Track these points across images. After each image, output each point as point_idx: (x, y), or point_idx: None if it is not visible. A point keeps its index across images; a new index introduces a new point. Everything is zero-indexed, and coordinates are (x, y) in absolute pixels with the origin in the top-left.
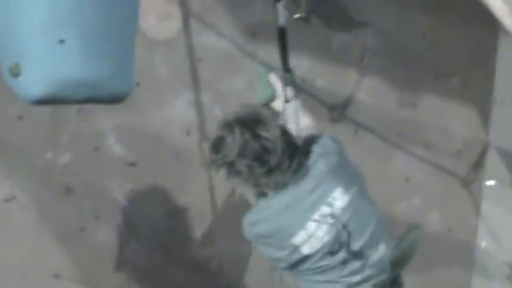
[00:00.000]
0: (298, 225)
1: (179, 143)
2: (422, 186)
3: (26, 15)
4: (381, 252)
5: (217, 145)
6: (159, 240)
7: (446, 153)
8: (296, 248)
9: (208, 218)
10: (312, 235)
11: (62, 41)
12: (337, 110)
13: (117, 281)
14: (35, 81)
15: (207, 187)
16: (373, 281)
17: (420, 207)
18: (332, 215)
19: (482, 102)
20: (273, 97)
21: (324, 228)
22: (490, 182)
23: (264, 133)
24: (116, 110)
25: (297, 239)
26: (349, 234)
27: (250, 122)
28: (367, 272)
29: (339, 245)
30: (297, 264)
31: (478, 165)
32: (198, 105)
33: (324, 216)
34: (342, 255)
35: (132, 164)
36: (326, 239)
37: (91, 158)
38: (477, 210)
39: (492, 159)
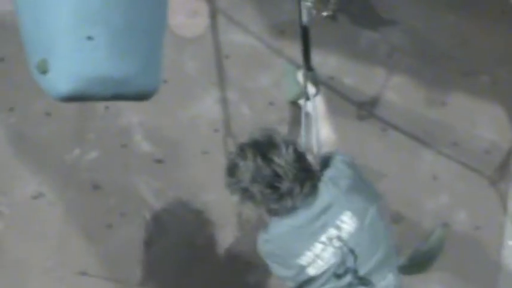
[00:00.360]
0: (305, 247)
1: (206, 140)
2: (450, 184)
3: (54, 12)
4: (389, 281)
5: (232, 169)
6: (186, 237)
7: (474, 151)
8: (302, 269)
9: (236, 215)
10: (318, 256)
11: (89, 38)
12: (365, 108)
13: (144, 278)
14: (62, 78)
15: None
16: None
17: (447, 205)
18: (339, 238)
19: (510, 100)
20: (299, 95)
21: (330, 250)
22: None
23: (276, 158)
24: (144, 107)
25: (303, 259)
26: (355, 258)
27: (263, 146)
28: None
29: (345, 268)
30: (304, 285)
31: (506, 163)
32: (225, 102)
33: (330, 238)
34: (348, 279)
35: (159, 161)
36: (332, 261)
37: (118, 154)
38: (505, 208)
39: None
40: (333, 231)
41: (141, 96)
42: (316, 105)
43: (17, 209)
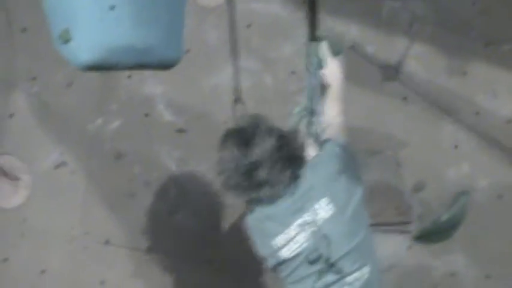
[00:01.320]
0: (280, 229)
1: (228, 109)
2: (471, 153)
3: None
4: (363, 274)
5: (220, 159)
6: (209, 206)
7: (495, 120)
8: (276, 251)
9: None
10: (292, 239)
11: (112, 7)
12: (387, 75)
13: (167, 247)
14: (85, 47)
15: None
16: None
17: (469, 174)
18: (314, 223)
19: None
20: (321, 64)
21: (304, 234)
22: None
23: (255, 147)
24: (166, 76)
25: (278, 241)
26: (328, 245)
27: (246, 134)
28: None
29: (317, 255)
30: (277, 267)
31: None
32: (248, 71)
33: (305, 223)
34: (319, 266)
35: (181, 130)
36: (305, 245)
37: (141, 124)
38: None
39: None
40: (308, 217)
41: (164, 65)
42: (329, 80)
43: (39, 178)
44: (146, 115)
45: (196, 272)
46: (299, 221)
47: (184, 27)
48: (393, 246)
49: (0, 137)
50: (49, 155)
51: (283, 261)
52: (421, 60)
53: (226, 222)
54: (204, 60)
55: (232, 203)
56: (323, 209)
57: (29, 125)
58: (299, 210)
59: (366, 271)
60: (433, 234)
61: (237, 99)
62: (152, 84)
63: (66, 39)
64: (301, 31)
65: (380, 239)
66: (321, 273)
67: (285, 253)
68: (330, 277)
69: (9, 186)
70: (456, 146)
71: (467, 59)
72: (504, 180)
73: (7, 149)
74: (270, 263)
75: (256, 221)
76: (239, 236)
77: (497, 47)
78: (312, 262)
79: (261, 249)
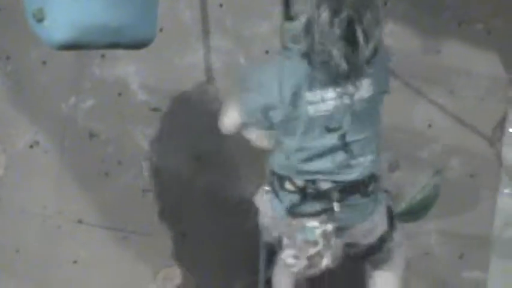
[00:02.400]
0: (318, 86)
1: (202, 88)
2: (445, 133)
3: None
4: (367, 160)
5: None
6: (182, 185)
7: (469, 100)
8: (303, 104)
9: (234, 160)
10: (324, 101)
11: None
12: None
13: (141, 226)
14: (59, 26)
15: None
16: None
17: (442, 153)
18: (351, 97)
19: (505, 49)
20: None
21: (337, 102)
22: None
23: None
24: (139, 55)
25: (309, 96)
26: (352, 122)
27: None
28: (348, 170)
29: (338, 125)
30: (286, 121)
31: (500, 111)
32: (221, 51)
33: (345, 93)
34: (334, 140)
35: (155, 109)
36: (332, 112)
37: (114, 103)
38: (499, 157)
39: None
40: (351, 89)
41: (138, 44)
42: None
43: (13, 158)
44: (119, 94)
45: (171, 246)
46: (341, 88)
47: (158, 6)
48: None
49: None
50: (23, 135)
51: (300, 117)
52: (395, 38)
53: (201, 200)
54: (178, 39)
55: (206, 180)
56: (365, 89)
57: (2, 104)
58: (346, 78)
59: (369, 159)
60: (407, 214)
61: (209, 79)
62: (125, 63)
63: (39, 18)
64: (277, 9)
65: None
66: (332, 150)
67: (311, 110)
68: (340, 156)
69: None
70: (430, 125)
71: (441, 38)
72: (477, 160)
73: None
74: (279, 113)
75: (296, 62)
76: (214, 210)
77: (470, 26)
78: (329, 131)
79: (280, 90)
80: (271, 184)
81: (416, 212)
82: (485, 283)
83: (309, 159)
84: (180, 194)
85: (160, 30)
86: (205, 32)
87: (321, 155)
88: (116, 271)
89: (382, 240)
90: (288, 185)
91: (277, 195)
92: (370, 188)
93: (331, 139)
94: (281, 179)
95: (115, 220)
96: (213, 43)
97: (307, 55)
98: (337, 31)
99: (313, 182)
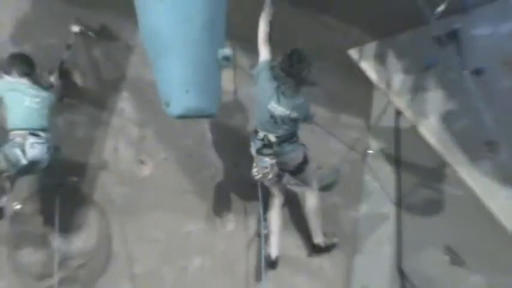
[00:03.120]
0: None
1: None
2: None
3: (169, 79)
4: (287, 127)
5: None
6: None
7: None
8: (270, 102)
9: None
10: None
11: (187, 91)
12: None
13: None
14: (175, 109)
15: None
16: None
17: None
18: (286, 108)
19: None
20: None
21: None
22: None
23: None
24: None
25: (274, 101)
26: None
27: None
28: (280, 131)
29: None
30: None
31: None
32: None
33: (281, 106)
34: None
35: None
36: (276, 112)
37: None
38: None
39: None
40: (285, 103)
41: (211, 116)
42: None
43: None
44: None
45: None
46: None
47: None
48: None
49: None
50: None
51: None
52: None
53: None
54: None
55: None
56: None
57: None
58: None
59: (288, 126)
60: (325, 187)
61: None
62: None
63: (167, 104)
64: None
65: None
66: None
67: (270, 108)
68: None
69: None
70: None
71: None
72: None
73: None
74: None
75: (268, 80)
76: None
77: None
78: (272, 117)
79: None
80: (253, 134)
81: (327, 187)
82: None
83: (262, 123)
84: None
85: None
86: None
87: (268, 122)
88: None
89: (300, 167)
90: (257, 136)
91: (254, 142)
92: (293, 140)
93: (272, 118)
94: (256, 132)
95: None
96: None
97: (276, 79)
98: (284, 74)
99: (266, 135)
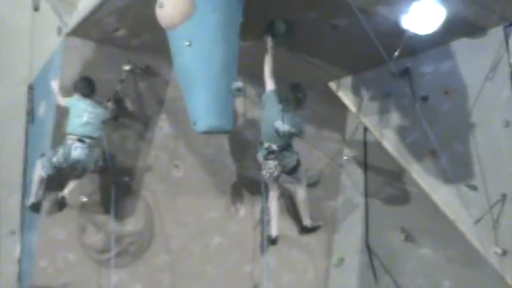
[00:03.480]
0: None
1: None
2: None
3: (195, 105)
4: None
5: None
6: None
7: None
8: (277, 120)
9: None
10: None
11: (209, 113)
12: None
13: None
14: (200, 127)
15: None
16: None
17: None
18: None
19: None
20: None
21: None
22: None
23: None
24: None
25: (280, 120)
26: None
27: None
28: (280, 142)
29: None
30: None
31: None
32: None
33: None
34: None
35: None
36: (275, 127)
37: None
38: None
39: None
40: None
41: (227, 131)
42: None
43: None
44: None
45: None
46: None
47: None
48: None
49: None
50: None
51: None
52: None
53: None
54: None
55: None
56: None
57: None
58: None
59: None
60: (311, 184)
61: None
62: None
63: (194, 123)
64: None
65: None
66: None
67: (276, 125)
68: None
69: None
70: None
71: None
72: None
73: None
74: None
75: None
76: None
77: None
78: (276, 131)
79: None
80: (260, 145)
81: (312, 184)
82: None
83: (267, 136)
84: None
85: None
86: None
87: (272, 135)
88: None
89: (294, 168)
90: (263, 146)
91: (261, 151)
92: (289, 148)
93: (276, 133)
94: (261, 143)
95: None
96: None
97: (280, 103)
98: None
99: (270, 145)
